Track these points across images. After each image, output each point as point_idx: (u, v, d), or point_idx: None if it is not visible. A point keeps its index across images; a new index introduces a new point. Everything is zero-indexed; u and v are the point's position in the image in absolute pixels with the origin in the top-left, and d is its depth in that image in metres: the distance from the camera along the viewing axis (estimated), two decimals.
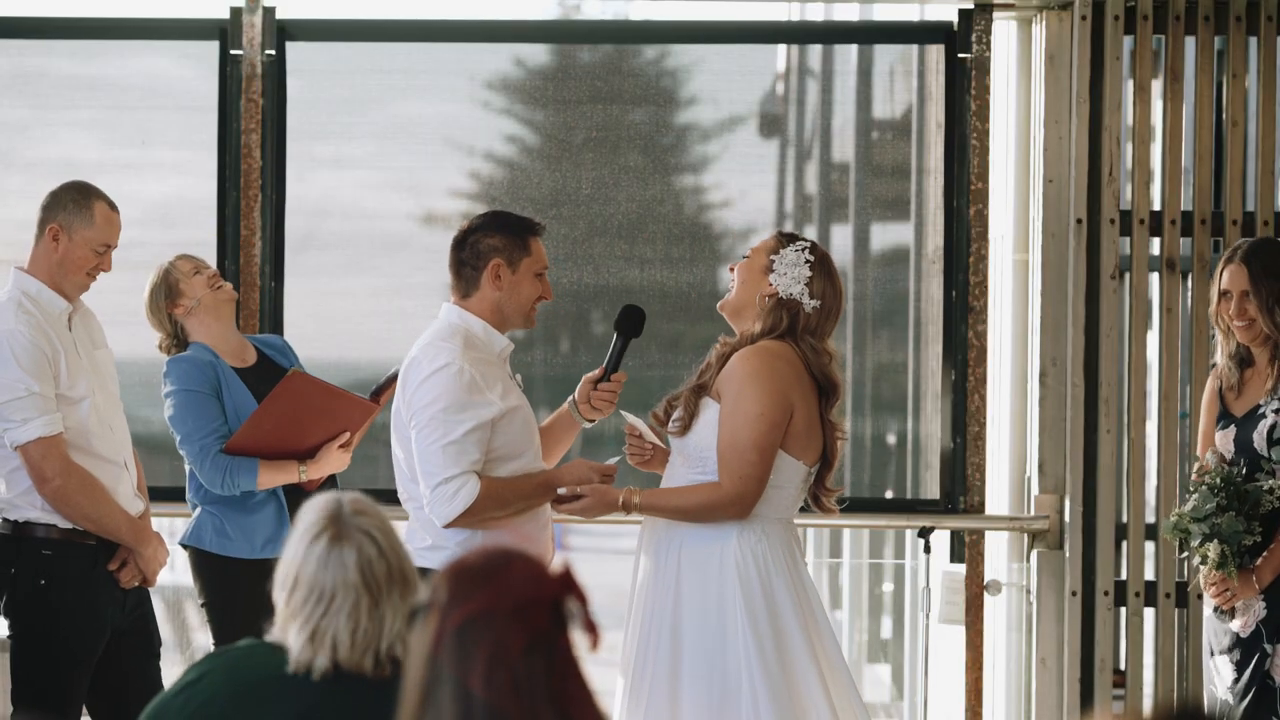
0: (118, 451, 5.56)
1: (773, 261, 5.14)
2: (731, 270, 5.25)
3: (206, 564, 5.80)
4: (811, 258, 5.13)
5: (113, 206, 5.56)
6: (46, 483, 5.39)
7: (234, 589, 5.77)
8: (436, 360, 5.07)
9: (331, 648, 3.18)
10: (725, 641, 4.99)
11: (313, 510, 3.25)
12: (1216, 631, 5.72)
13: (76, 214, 5.50)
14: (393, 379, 5.83)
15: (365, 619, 3.17)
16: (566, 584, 2.51)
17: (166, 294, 5.88)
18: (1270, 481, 5.58)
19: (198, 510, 5.85)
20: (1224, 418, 5.79)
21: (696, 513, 5.06)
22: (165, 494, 6.33)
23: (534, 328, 5.42)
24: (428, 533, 5.13)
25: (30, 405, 5.37)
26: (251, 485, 5.73)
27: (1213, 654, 5.74)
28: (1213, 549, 5.54)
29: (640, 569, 5.17)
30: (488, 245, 5.18)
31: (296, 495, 5.80)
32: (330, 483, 5.92)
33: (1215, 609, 5.70)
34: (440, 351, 5.08)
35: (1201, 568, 5.64)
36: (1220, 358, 5.84)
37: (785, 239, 5.20)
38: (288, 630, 3.22)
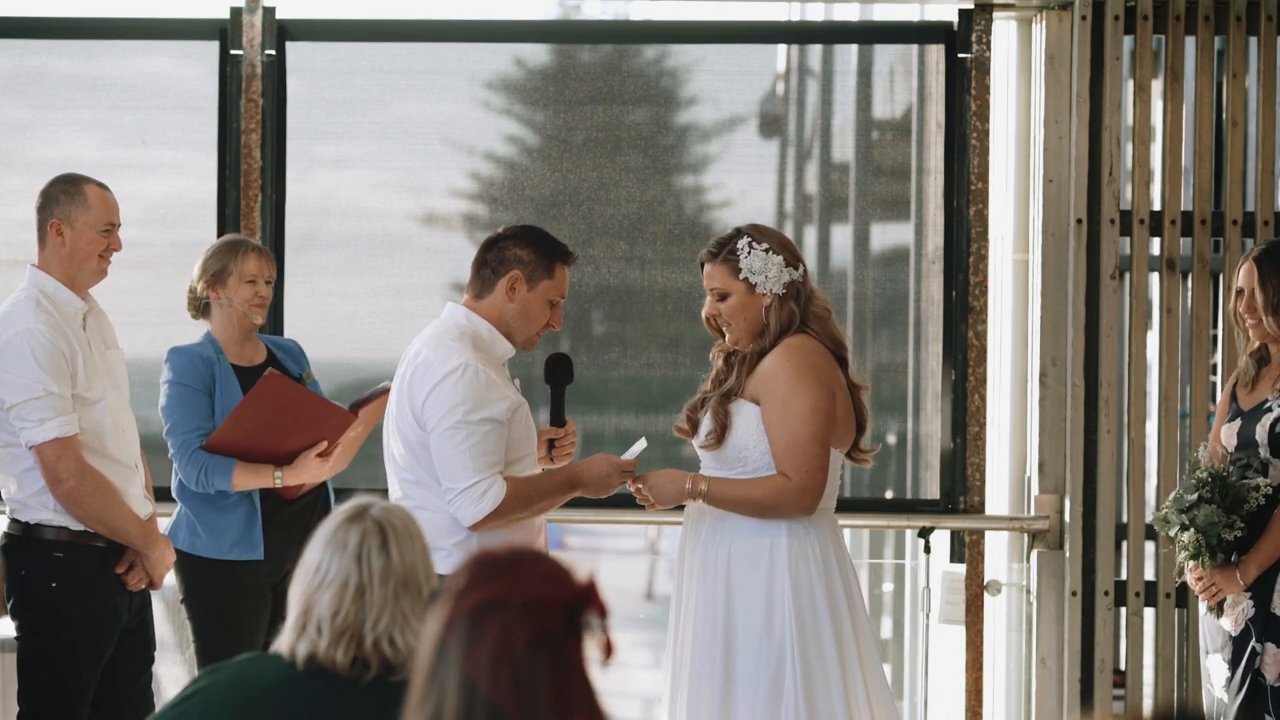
0: (129, 453, 5.56)
1: (746, 277, 5.10)
2: (710, 322, 5.18)
3: (182, 561, 5.79)
4: (765, 243, 5.11)
5: (102, 186, 5.57)
6: (60, 484, 5.37)
7: (206, 588, 5.78)
8: (450, 361, 5.04)
9: (316, 630, 3.18)
10: (771, 638, 4.98)
11: (346, 503, 3.26)
12: (1211, 631, 5.74)
13: (71, 202, 5.50)
14: (379, 393, 5.81)
15: (349, 603, 3.16)
16: (587, 593, 2.46)
17: (215, 273, 5.87)
18: (1259, 479, 5.60)
19: (179, 506, 5.85)
20: (1233, 411, 5.82)
21: (764, 504, 5.02)
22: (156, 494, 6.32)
23: (531, 352, 5.40)
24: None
25: (48, 405, 5.35)
26: (226, 485, 5.71)
27: (1207, 653, 5.75)
28: (1188, 538, 5.57)
29: (685, 567, 5.14)
30: (513, 255, 5.17)
31: (273, 502, 5.80)
32: (320, 491, 5.90)
33: (1208, 607, 5.71)
34: (452, 352, 5.06)
35: (1181, 558, 5.67)
36: (1243, 355, 5.88)
37: (726, 251, 5.12)
38: (289, 614, 3.22)
